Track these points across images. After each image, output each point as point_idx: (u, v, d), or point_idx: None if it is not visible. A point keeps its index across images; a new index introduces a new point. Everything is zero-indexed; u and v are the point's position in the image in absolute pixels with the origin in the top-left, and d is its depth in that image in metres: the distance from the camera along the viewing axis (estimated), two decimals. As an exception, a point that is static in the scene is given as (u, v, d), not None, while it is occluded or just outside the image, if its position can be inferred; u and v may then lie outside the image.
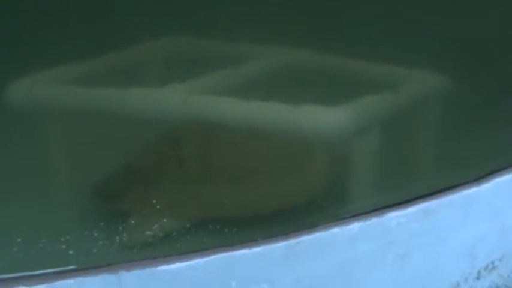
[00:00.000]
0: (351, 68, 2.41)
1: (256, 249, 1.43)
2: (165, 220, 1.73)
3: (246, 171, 1.90)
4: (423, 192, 1.64)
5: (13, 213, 1.72)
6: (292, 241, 1.45)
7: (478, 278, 1.74)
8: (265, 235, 1.45)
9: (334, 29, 2.53)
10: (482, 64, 2.36)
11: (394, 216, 1.58)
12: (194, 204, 1.80)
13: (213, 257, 1.41)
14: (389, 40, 2.45)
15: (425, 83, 2.33)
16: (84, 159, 2.00)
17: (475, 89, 2.23)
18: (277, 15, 2.60)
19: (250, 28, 2.52)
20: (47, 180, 1.96)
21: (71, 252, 1.57)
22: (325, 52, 2.45)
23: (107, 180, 1.88)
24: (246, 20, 2.56)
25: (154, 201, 1.80)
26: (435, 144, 2.14)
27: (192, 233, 1.66)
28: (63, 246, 1.58)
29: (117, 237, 1.66)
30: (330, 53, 2.45)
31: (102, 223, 1.70)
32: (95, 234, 1.65)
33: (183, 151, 1.97)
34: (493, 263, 1.75)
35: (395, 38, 2.47)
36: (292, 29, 2.55)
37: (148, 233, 1.70)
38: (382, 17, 2.58)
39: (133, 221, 1.74)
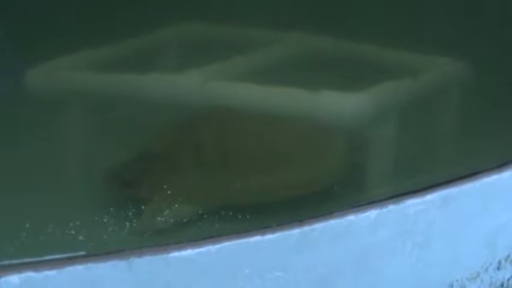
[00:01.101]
0: (369, 54, 2.39)
1: (270, 236, 1.41)
2: (177, 206, 1.72)
3: (263, 158, 1.89)
4: (442, 179, 1.60)
5: (25, 198, 1.72)
6: (307, 228, 1.42)
7: (498, 269, 1.71)
8: (279, 222, 1.43)
9: (353, 15, 2.50)
10: (503, 50, 2.33)
11: (412, 204, 1.55)
12: (210, 191, 1.79)
13: (225, 244, 1.39)
14: (409, 26, 2.42)
15: (444, 70, 2.30)
16: (100, 145, 2.00)
17: (495, 76, 2.20)
18: (295, 1, 2.58)
19: (267, 14, 2.50)
20: (62, 165, 1.97)
21: (81, 237, 1.57)
22: (344, 38, 2.43)
23: (123, 166, 1.88)
24: (263, 5, 2.54)
25: (170, 188, 1.79)
26: (455, 131, 2.12)
27: (204, 219, 1.65)
28: (73, 232, 1.58)
29: (130, 224, 1.65)
30: (349, 39, 2.42)
31: (115, 209, 1.70)
32: (107, 220, 1.65)
33: (200, 137, 1.96)
34: (514, 253, 1.72)
35: (415, 23, 2.44)
36: (311, 14, 2.52)
37: (162, 219, 1.69)
38: (401, 2, 2.54)
39: (148, 208, 1.73)
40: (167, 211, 1.71)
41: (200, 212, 1.70)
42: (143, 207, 1.72)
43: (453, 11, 2.50)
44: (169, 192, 1.78)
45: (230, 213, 1.65)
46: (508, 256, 1.72)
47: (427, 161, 1.88)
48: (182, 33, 2.57)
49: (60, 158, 1.99)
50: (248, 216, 1.62)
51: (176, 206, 1.73)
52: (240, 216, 1.63)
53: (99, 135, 2.05)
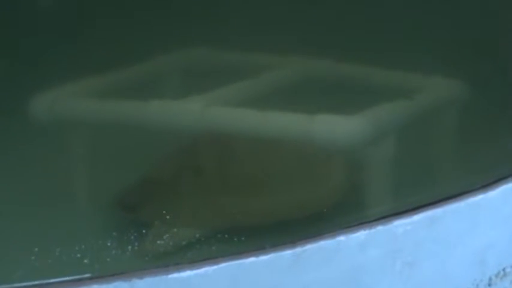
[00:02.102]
0: (365, 76, 2.41)
1: (264, 257, 1.46)
2: (177, 230, 1.76)
3: (261, 182, 1.92)
4: (429, 199, 1.65)
5: (32, 223, 1.77)
6: (299, 249, 1.47)
7: (489, 285, 1.75)
8: (273, 243, 1.48)
9: (348, 38, 2.53)
10: (493, 71, 2.36)
11: (400, 224, 1.60)
12: (209, 214, 1.82)
13: (222, 265, 1.44)
14: (404, 47, 2.45)
15: (440, 90, 2.32)
16: (103, 171, 2.03)
17: (485, 96, 2.23)
18: (291, 26, 2.62)
19: (264, 39, 2.54)
20: (67, 191, 2.00)
21: (86, 261, 1.62)
22: (340, 61, 2.46)
23: (125, 192, 1.91)
24: (260, 31, 2.58)
25: (171, 212, 1.83)
26: (442, 152, 2.14)
27: (202, 242, 1.69)
28: (79, 255, 1.63)
29: (132, 247, 1.69)
30: (345, 62, 2.45)
31: (118, 233, 1.74)
32: (111, 244, 1.69)
33: (200, 162, 2.00)
34: (504, 269, 1.76)
35: (410, 45, 2.47)
36: (307, 38, 2.55)
37: (162, 242, 1.73)
38: (397, 24, 2.58)
39: (148, 231, 1.77)
40: (167, 234, 1.75)
41: (198, 235, 1.74)
42: (144, 231, 1.77)
43: (448, 31, 2.53)
44: (169, 216, 1.82)
45: (226, 236, 1.68)
46: (499, 273, 1.75)
47: (414, 181, 1.91)
48: (184, 59, 2.59)
49: (66, 184, 2.03)
50: (243, 238, 1.66)
51: (176, 229, 1.76)
52: (235, 239, 1.67)
53: (102, 161, 2.07)
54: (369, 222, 1.56)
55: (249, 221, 1.77)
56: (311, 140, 2.07)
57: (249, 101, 2.27)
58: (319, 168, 1.99)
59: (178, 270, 1.43)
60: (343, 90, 2.34)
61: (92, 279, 1.41)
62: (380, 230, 1.56)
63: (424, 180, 1.92)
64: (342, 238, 1.51)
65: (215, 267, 1.43)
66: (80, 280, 1.41)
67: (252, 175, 1.94)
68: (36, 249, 1.64)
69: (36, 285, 1.38)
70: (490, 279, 1.74)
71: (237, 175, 1.95)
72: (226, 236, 1.68)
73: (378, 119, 2.15)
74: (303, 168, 1.99)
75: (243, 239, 1.64)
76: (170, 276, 1.42)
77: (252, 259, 1.45)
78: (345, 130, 2.09)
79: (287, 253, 1.47)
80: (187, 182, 1.93)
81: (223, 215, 1.81)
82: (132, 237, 1.72)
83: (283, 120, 2.15)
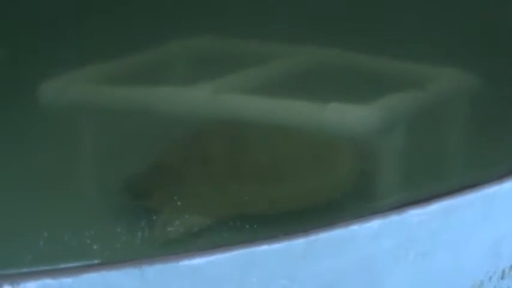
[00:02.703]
0: (377, 66, 2.40)
1: (276, 246, 1.45)
2: (188, 217, 1.76)
3: (271, 169, 1.92)
4: (445, 190, 1.64)
5: (42, 208, 1.77)
6: (312, 238, 1.46)
7: (502, 278, 1.73)
8: (285, 231, 1.47)
9: (361, 27, 2.52)
10: (506, 62, 2.35)
11: (415, 214, 1.58)
12: (217, 201, 1.82)
13: (233, 253, 1.43)
14: (416, 37, 2.44)
15: (452, 81, 2.31)
16: (112, 157, 2.03)
17: (498, 87, 2.22)
18: (303, 14, 2.61)
19: (276, 27, 2.53)
20: (76, 177, 2.00)
21: (95, 247, 1.61)
22: (351, 50, 2.45)
23: (134, 178, 1.91)
24: (273, 18, 2.57)
25: (181, 199, 1.82)
26: (457, 142, 2.14)
27: (213, 229, 1.68)
28: (89, 241, 1.62)
29: (142, 233, 1.69)
30: (357, 51, 2.44)
31: (128, 219, 1.74)
32: (121, 230, 1.69)
33: (210, 149, 2.00)
34: (517, 262, 1.75)
35: (422, 35, 2.46)
36: (318, 27, 2.55)
37: (172, 229, 1.73)
38: (408, 13, 2.56)
39: (158, 218, 1.77)
40: (178, 221, 1.75)
41: (209, 222, 1.73)
42: (155, 218, 1.77)
43: (460, 22, 2.52)
44: (179, 203, 1.82)
45: (238, 223, 1.68)
46: (512, 266, 1.74)
47: (430, 171, 1.90)
48: (193, 46, 2.59)
49: (76, 170, 2.03)
50: (256, 226, 1.65)
51: (186, 216, 1.76)
52: (247, 226, 1.66)
53: (111, 147, 2.07)
54: (383, 211, 1.54)
55: (260, 209, 1.77)
56: (322, 128, 2.07)
57: (259, 88, 2.27)
58: (330, 157, 1.99)
59: (189, 257, 1.41)
60: (355, 79, 2.33)
61: (101, 266, 1.40)
62: (394, 220, 1.55)
63: (439, 170, 1.91)
64: (355, 227, 1.50)
65: (227, 254, 1.42)
66: (89, 266, 1.39)
67: (263, 163, 1.94)
68: (46, 234, 1.64)
69: (45, 270, 1.37)
70: (504, 271, 1.73)
71: (247, 163, 1.94)
72: (238, 223, 1.67)
73: (390, 108, 2.15)
74: (314, 156, 1.98)
75: (255, 226, 1.63)
76: (181, 263, 1.41)
77: (264, 247, 1.44)
78: (356, 118, 2.09)
79: (300, 241, 1.45)
80: (196, 169, 1.92)
81: (234, 202, 1.80)
82: (143, 223, 1.71)
83: (295, 108, 2.14)
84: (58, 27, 2.55)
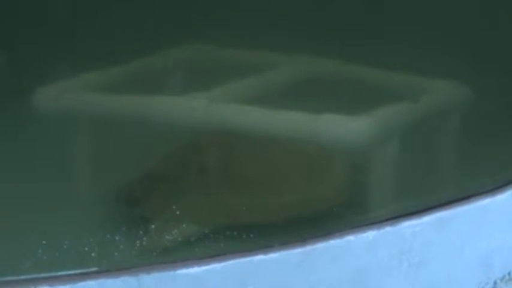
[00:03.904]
0: (371, 78, 2.42)
1: (273, 255, 1.46)
2: (184, 226, 1.76)
3: (265, 179, 1.93)
4: (438, 201, 1.65)
5: (39, 216, 1.77)
6: (308, 247, 1.47)
7: (494, 289, 1.75)
8: (282, 241, 1.48)
9: (355, 39, 2.54)
10: (501, 74, 2.36)
11: (408, 225, 1.60)
12: (213, 211, 1.82)
13: (230, 262, 1.44)
14: (410, 50, 2.45)
15: (445, 93, 2.33)
16: (108, 165, 2.03)
17: (491, 99, 2.23)
18: (298, 25, 2.62)
19: (271, 37, 2.54)
20: (72, 185, 2.00)
21: (93, 254, 1.61)
22: (345, 61, 2.46)
23: (129, 186, 1.91)
24: (267, 29, 2.58)
25: (175, 208, 1.83)
26: (450, 154, 2.15)
27: (209, 238, 1.69)
28: (86, 249, 1.62)
29: (138, 241, 1.69)
30: (351, 63, 2.46)
31: (124, 227, 1.74)
32: (117, 238, 1.69)
33: (204, 159, 2.00)
34: (509, 273, 1.76)
35: (415, 47, 2.47)
36: (313, 38, 2.56)
37: (168, 237, 1.73)
38: (403, 26, 2.58)
39: (154, 226, 1.77)
40: (174, 230, 1.75)
41: (206, 231, 1.73)
42: (152, 226, 1.77)
43: (454, 34, 2.53)
44: (175, 211, 1.82)
45: (235, 233, 1.68)
46: (504, 277, 1.75)
47: (424, 183, 1.91)
48: (188, 55, 2.59)
49: (72, 178, 2.03)
50: (252, 235, 1.66)
51: (183, 225, 1.77)
52: (244, 236, 1.67)
53: (107, 155, 2.08)
54: (378, 222, 1.56)
55: (256, 218, 1.77)
56: (316, 139, 2.08)
57: (254, 98, 2.27)
58: (324, 167, 2.00)
59: (186, 266, 1.42)
60: (349, 91, 2.34)
61: (99, 273, 1.40)
62: (388, 231, 1.56)
63: (432, 182, 1.92)
64: (351, 238, 1.52)
65: (223, 263, 1.43)
66: (86, 274, 1.40)
67: (257, 173, 1.94)
68: (44, 242, 1.64)
69: (43, 278, 1.38)
70: (495, 283, 1.75)
71: (241, 173, 1.95)
72: (234, 233, 1.68)
73: (384, 119, 2.16)
74: (308, 167, 1.99)
75: (251, 236, 1.64)
76: (178, 271, 1.42)
77: (260, 256, 1.45)
78: (350, 130, 2.09)
79: (296, 251, 1.46)
80: (190, 178, 1.93)
81: (229, 212, 1.81)
82: (140, 232, 1.72)
83: (289, 119, 2.15)
84: (54, 34, 2.55)
